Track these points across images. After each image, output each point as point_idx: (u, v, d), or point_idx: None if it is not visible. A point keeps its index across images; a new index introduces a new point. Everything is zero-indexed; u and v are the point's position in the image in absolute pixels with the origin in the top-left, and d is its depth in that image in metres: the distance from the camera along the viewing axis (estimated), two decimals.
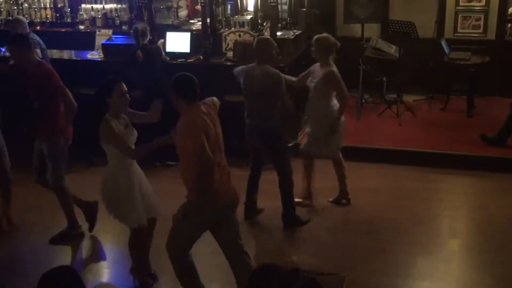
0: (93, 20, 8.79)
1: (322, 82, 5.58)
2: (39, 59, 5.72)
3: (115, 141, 4.31)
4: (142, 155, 4.44)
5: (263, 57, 5.35)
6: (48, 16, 8.96)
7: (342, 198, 5.99)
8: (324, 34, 5.71)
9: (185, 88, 4.02)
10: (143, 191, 4.53)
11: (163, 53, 7.10)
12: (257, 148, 5.67)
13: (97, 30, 8.12)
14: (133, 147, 4.46)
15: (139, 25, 6.92)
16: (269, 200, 6.08)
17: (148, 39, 6.87)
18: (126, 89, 4.39)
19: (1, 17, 9.01)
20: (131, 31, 6.91)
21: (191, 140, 3.85)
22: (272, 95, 5.37)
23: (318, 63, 5.67)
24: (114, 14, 8.70)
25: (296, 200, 5.78)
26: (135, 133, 4.52)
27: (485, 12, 8.30)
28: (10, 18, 8.55)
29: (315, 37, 5.66)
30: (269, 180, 6.53)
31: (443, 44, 7.97)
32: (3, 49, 7.76)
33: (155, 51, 6.90)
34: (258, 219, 5.76)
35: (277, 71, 5.39)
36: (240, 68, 5.59)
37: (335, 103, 5.75)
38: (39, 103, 5.30)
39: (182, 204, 4.14)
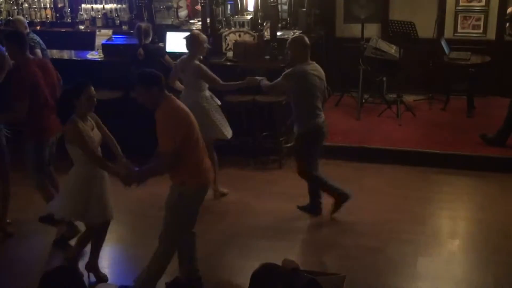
0: (93, 20, 8.80)
1: None
2: (32, 57, 5.73)
3: (81, 142, 4.34)
4: (105, 167, 4.47)
5: None
6: (48, 16, 8.97)
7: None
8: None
9: (159, 79, 4.15)
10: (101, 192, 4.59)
11: (166, 54, 7.09)
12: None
13: (97, 30, 8.12)
14: (98, 149, 4.53)
15: (143, 24, 6.92)
16: (269, 200, 6.10)
17: (150, 39, 6.87)
18: (95, 92, 4.46)
19: (1, 17, 9.01)
20: (134, 30, 6.86)
21: (178, 128, 4.05)
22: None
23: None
24: (114, 14, 8.71)
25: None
26: (100, 136, 4.60)
27: (485, 12, 8.30)
28: (10, 18, 8.55)
29: None
30: (269, 180, 6.56)
31: (443, 44, 7.97)
32: (3, 49, 7.76)
33: (157, 51, 6.91)
34: (257, 219, 5.75)
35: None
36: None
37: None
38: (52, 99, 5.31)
39: (171, 193, 4.23)
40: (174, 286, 4.58)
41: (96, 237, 4.85)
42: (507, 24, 7.30)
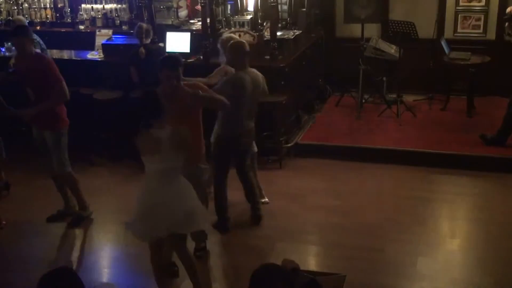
0: (93, 20, 8.80)
1: None
2: (37, 52, 5.82)
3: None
4: None
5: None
6: (48, 16, 8.97)
7: None
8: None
9: (181, 63, 4.51)
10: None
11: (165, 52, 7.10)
12: None
13: (97, 30, 8.12)
14: None
15: (144, 24, 6.92)
16: (269, 200, 6.10)
17: (150, 39, 6.87)
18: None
19: (1, 17, 9.02)
20: (135, 29, 6.84)
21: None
22: None
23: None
24: (114, 14, 8.71)
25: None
26: None
27: (485, 12, 8.30)
28: (10, 18, 8.57)
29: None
30: (269, 180, 6.55)
31: (443, 44, 7.97)
32: (3, 49, 7.77)
33: (157, 51, 6.91)
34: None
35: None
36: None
37: None
38: (37, 95, 5.37)
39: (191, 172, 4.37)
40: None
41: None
42: (506, 24, 7.30)
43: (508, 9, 7.21)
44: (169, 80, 4.40)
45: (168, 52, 7.23)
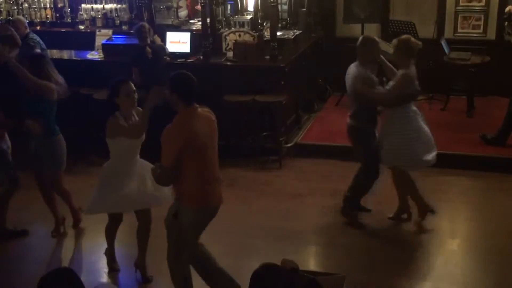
0: (93, 20, 8.80)
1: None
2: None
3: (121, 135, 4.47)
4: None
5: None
6: (48, 16, 8.98)
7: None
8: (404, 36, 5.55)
9: (183, 87, 3.96)
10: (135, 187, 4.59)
11: (167, 52, 7.09)
12: None
13: (97, 30, 8.12)
14: (137, 144, 4.58)
15: (145, 23, 6.91)
16: (269, 200, 6.10)
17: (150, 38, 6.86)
18: (134, 88, 4.54)
19: (1, 17, 9.02)
20: (137, 29, 6.80)
21: (171, 144, 3.88)
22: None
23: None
24: (114, 14, 8.72)
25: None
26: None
27: (485, 12, 8.30)
28: (10, 18, 8.56)
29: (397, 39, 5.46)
30: (269, 180, 6.56)
31: (443, 44, 7.96)
32: None
33: (161, 50, 6.90)
34: (257, 219, 5.74)
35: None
36: None
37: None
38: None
39: (172, 207, 4.22)
40: None
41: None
42: (506, 23, 7.29)
43: (507, 8, 7.21)
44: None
45: (168, 53, 7.26)
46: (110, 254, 5.03)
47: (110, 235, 4.96)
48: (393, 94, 5.22)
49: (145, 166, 4.61)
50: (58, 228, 5.57)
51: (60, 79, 5.34)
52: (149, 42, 6.79)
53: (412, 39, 5.46)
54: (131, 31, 7.21)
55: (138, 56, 6.73)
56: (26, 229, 5.62)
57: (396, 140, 5.21)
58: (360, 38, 5.46)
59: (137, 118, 4.59)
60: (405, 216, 5.61)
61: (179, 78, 4.02)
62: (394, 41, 5.46)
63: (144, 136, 4.58)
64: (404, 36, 5.55)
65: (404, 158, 5.23)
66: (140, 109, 4.59)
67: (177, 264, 4.29)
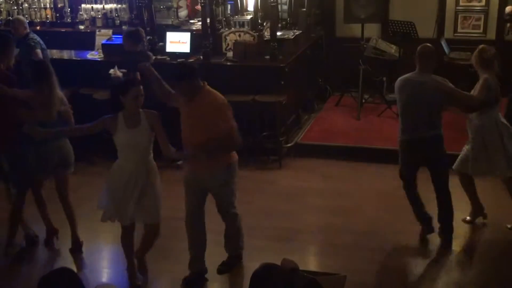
0: (93, 20, 8.81)
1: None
2: None
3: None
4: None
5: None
6: (48, 16, 8.98)
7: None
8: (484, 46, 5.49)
9: (195, 71, 4.52)
10: (142, 192, 4.53)
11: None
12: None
13: (97, 30, 8.12)
14: (138, 147, 4.50)
15: (140, 28, 6.89)
16: (269, 200, 6.10)
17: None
18: (143, 92, 4.44)
19: (1, 17, 9.02)
20: (137, 34, 6.69)
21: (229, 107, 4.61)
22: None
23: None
24: (114, 14, 8.72)
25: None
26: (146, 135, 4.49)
27: (485, 12, 8.31)
28: (10, 18, 8.56)
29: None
30: (269, 180, 6.56)
31: (443, 44, 7.96)
32: None
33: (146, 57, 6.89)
34: (256, 219, 5.74)
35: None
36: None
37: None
38: None
39: (218, 173, 4.58)
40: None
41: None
42: (508, 25, 7.29)
43: (507, 9, 7.21)
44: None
45: (168, 52, 7.26)
46: (130, 268, 4.77)
47: (125, 245, 4.76)
48: (478, 98, 5.22)
49: (155, 178, 4.58)
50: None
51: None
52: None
53: (486, 48, 5.47)
54: (125, 34, 7.08)
55: (141, 61, 6.68)
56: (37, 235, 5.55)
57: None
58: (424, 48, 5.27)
59: (142, 120, 4.47)
60: (481, 219, 5.56)
61: (190, 66, 4.68)
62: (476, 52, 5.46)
63: (151, 138, 4.50)
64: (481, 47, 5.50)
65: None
66: (148, 111, 4.52)
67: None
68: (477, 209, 5.52)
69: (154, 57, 6.74)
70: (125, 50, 6.66)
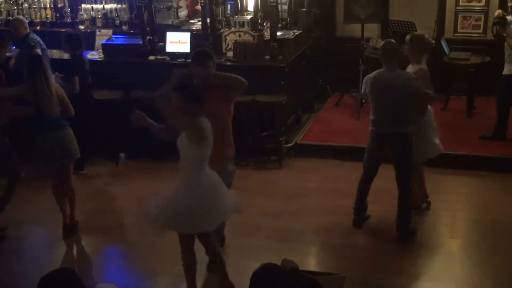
0: (93, 20, 8.80)
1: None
2: None
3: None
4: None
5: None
6: (48, 16, 8.98)
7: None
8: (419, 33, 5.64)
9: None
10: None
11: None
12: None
13: (97, 30, 8.12)
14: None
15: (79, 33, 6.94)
16: (269, 200, 6.10)
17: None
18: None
19: (1, 17, 9.02)
20: (77, 38, 6.72)
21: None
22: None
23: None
24: (114, 14, 8.72)
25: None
26: None
27: (485, 12, 8.31)
28: (10, 18, 8.56)
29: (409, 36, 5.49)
30: (269, 180, 6.55)
31: (443, 44, 7.97)
32: None
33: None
34: (257, 219, 5.75)
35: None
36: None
37: None
38: None
39: (225, 167, 4.56)
40: None
41: None
42: (497, 27, 7.30)
43: (496, 13, 7.21)
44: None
45: (168, 52, 7.25)
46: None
47: (186, 270, 4.37)
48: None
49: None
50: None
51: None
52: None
53: (426, 35, 5.51)
54: (131, 31, 7.07)
55: (80, 65, 6.67)
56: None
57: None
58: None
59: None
60: (424, 205, 5.77)
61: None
62: (408, 36, 5.50)
63: (208, 142, 4.06)
64: (418, 32, 5.60)
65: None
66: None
67: None
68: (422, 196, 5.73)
69: (154, 57, 6.73)
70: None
